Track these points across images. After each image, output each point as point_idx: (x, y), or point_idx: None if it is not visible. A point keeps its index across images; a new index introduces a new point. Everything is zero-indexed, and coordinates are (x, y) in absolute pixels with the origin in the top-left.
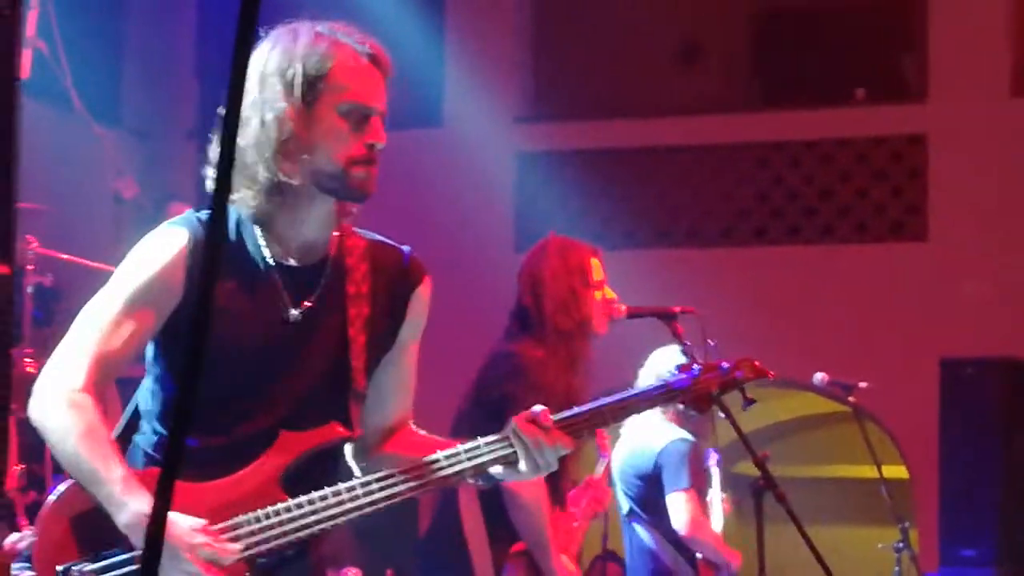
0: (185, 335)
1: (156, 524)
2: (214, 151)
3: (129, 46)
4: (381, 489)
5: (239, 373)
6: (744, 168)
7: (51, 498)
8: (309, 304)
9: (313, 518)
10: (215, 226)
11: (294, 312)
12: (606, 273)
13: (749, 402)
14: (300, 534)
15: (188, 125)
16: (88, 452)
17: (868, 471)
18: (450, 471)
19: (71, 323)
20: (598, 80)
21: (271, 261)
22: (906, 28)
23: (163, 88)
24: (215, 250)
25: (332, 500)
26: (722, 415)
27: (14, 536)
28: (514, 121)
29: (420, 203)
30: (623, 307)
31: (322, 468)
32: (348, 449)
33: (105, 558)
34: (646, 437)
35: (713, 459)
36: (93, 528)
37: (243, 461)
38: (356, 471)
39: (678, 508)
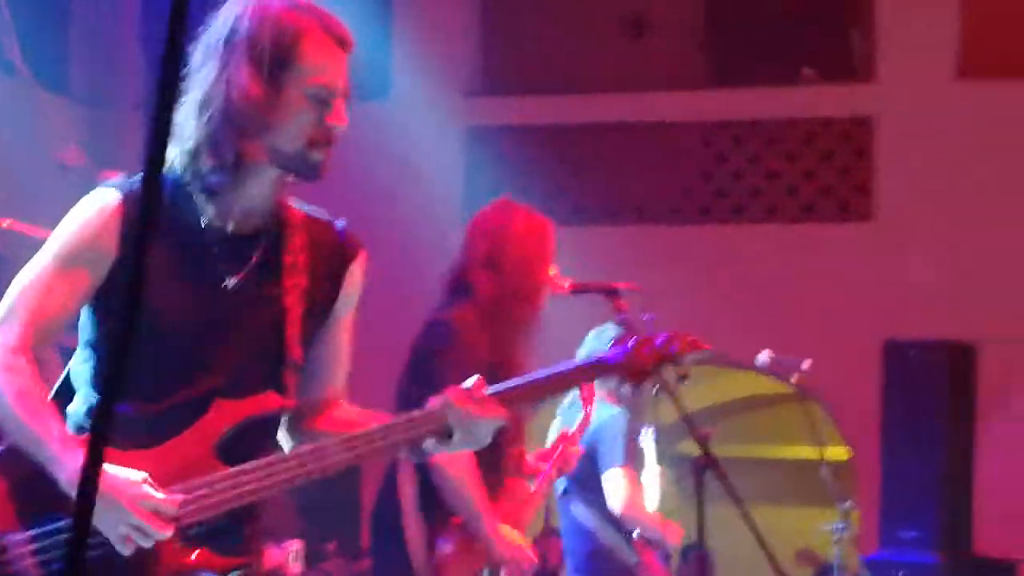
0: (118, 299)
1: (88, 484)
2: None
3: (76, 13)
4: (315, 460)
5: (173, 339)
6: (691, 145)
7: None
8: (246, 272)
9: (247, 487)
10: (149, 191)
11: (231, 280)
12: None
13: (682, 378)
14: (234, 504)
15: (135, 94)
16: (24, 413)
17: (810, 452)
18: (382, 444)
19: None
20: (547, 54)
21: (207, 227)
22: (854, 8)
23: (111, 57)
24: (150, 214)
25: (267, 470)
26: (663, 390)
27: None
28: (462, 94)
29: (367, 176)
30: (566, 283)
31: (258, 438)
32: (282, 424)
33: (41, 525)
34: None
35: (649, 434)
36: (32, 492)
37: (177, 429)
38: (287, 446)
39: (614, 485)
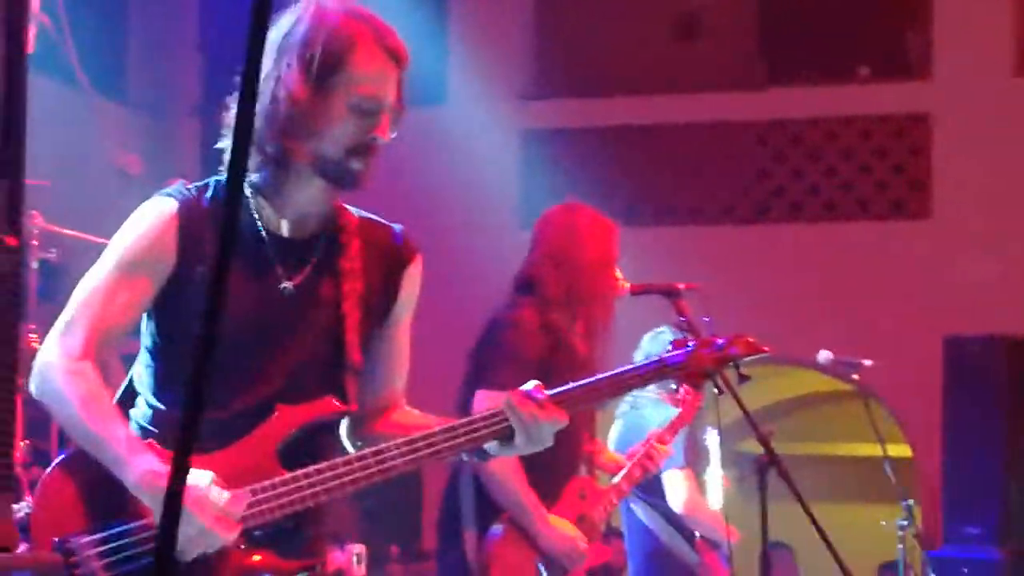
0: (176, 305)
1: (174, 491)
2: (230, 119)
3: (133, 21)
4: (376, 463)
5: (233, 344)
6: (746, 145)
7: (53, 465)
8: (304, 277)
9: (310, 491)
10: (231, 202)
11: (288, 284)
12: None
13: (743, 379)
14: (296, 507)
15: (192, 101)
16: (90, 417)
17: (872, 449)
18: (445, 446)
19: None
20: (601, 57)
21: (264, 232)
22: (910, 5)
23: (167, 64)
24: (230, 226)
25: (329, 474)
26: (722, 392)
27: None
28: (518, 99)
29: (424, 181)
30: (627, 284)
31: (318, 442)
32: (343, 428)
33: (108, 528)
34: (640, 416)
35: (713, 436)
36: (99, 494)
37: (239, 434)
38: (350, 449)
39: (674, 486)
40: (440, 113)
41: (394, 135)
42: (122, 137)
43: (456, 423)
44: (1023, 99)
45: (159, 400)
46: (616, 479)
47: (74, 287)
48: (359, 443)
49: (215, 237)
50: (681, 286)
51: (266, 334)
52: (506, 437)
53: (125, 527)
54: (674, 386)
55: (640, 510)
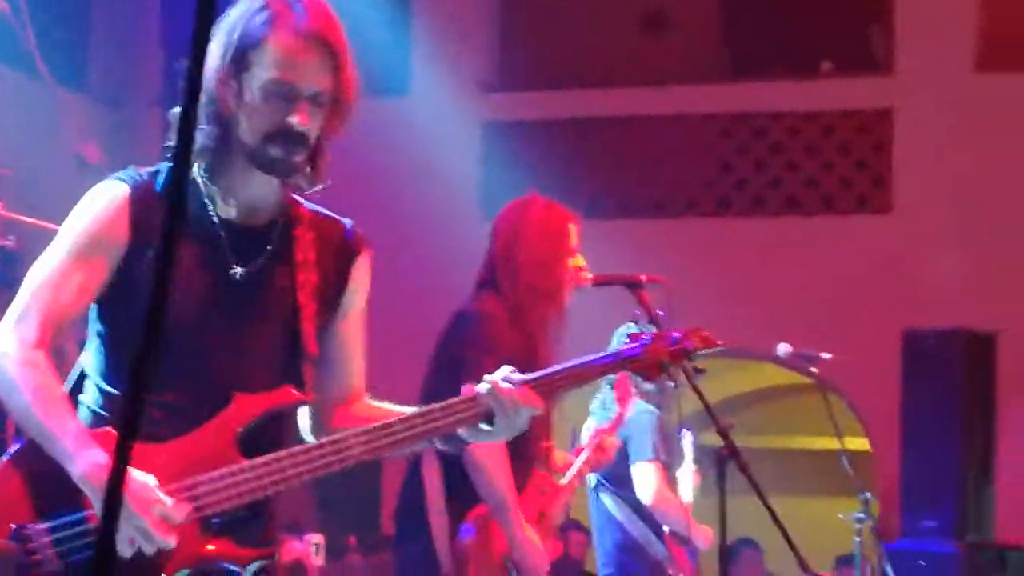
0: (126, 289)
1: (115, 481)
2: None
3: (95, 11)
4: (335, 452)
5: (184, 328)
6: (710, 139)
7: (3, 457)
8: (258, 265)
9: (268, 480)
10: (176, 183)
11: (239, 269)
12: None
13: (699, 372)
14: (256, 495)
15: (154, 92)
16: (41, 409)
17: (830, 442)
18: (405, 435)
19: None
20: (564, 49)
21: (215, 217)
22: (873, 1)
23: (129, 55)
24: (176, 207)
25: (287, 462)
26: (678, 386)
27: None
28: (480, 90)
29: (386, 172)
30: (589, 275)
31: (276, 431)
32: (303, 425)
33: (57, 517)
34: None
35: (686, 436)
36: (47, 486)
37: (195, 421)
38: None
39: (643, 478)
40: (402, 104)
41: (343, 125)
42: (83, 127)
43: (430, 408)
44: (985, 94)
45: (110, 385)
46: (568, 476)
47: (24, 273)
48: (322, 436)
49: (181, 221)
50: (643, 278)
51: (218, 319)
52: (486, 422)
53: (74, 517)
54: (608, 384)
55: (610, 502)
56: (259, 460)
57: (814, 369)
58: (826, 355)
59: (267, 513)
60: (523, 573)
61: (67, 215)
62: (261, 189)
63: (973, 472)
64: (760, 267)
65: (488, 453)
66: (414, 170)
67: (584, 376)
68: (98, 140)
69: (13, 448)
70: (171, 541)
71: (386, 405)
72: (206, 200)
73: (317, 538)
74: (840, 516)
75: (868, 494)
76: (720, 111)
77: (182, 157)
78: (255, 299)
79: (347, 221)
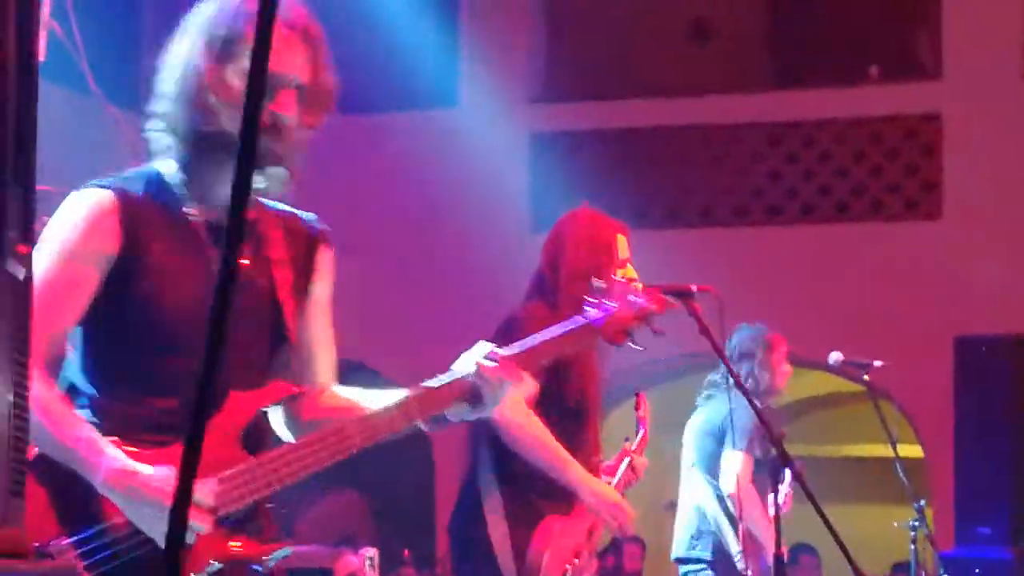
0: (126, 299)
1: (182, 500)
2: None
3: (146, 28)
4: (338, 442)
5: (179, 332)
6: (757, 147)
7: None
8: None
9: (278, 474)
10: (237, 205)
11: None
12: (630, 252)
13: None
14: (266, 491)
15: None
16: (50, 423)
17: (883, 450)
18: (401, 420)
19: None
20: (611, 60)
21: (195, 218)
22: (920, 6)
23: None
24: (237, 230)
25: (294, 455)
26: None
27: None
28: (527, 101)
29: (435, 183)
30: (640, 285)
31: (266, 426)
32: (275, 419)
33: (81, 532)
34: (721, 402)
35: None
36: (67, 500)
37: None
38: (286, 436)
39: (730, 466)
40: (451, 116)
41: (322, 120)
42: (135, 144)
43: (422, 392)
44: None
45: (99, 390)
46: None
47: None
48: (300, 427)
49: (157, 225)
50: (694, 287)
51: (201, 318)
52: (474, 400)
53: (99, 527)
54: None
55: (701, 485)
56: (265, 457)
57: (866, 377)
58: (878, 363)
59: (263, 510)
60: (605, 520)
61: None
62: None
63: None
64: (810, 275)
65: (516, 425)
66: (463, 182)
67: (559, 345)
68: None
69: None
70: (208, 524)
71: (354, 391)
72: (183, 201)
73: (372, 552)
74: (895, 524)
75: (922, 501)
76: (767, 119)
77: (245, 174)
78: (239, 299)
79: (309, 215)
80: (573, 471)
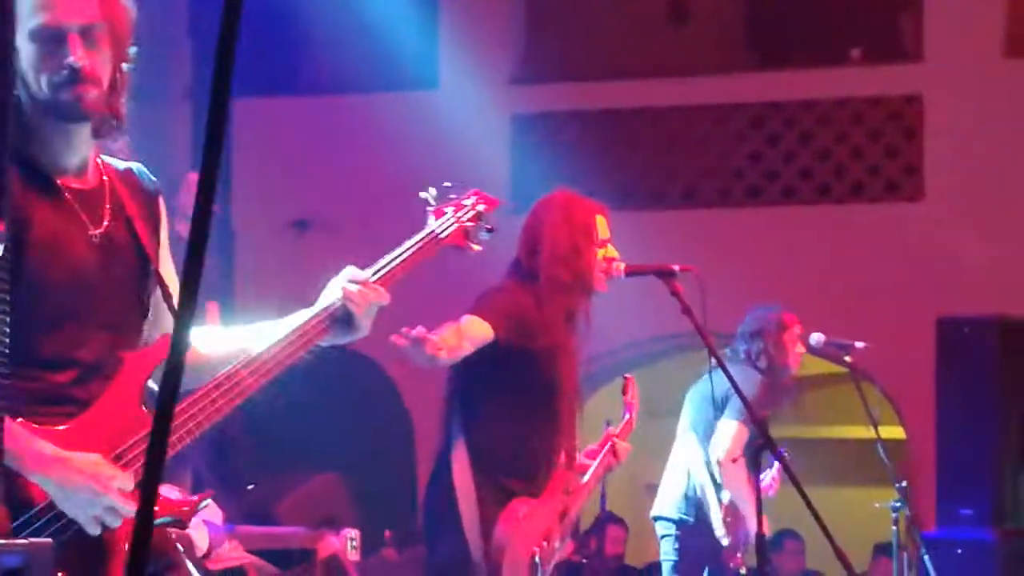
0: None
1: (155, 461)
2: None
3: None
4: (232, 388)
5: (67, 302)
6: (739, 128)
7: None
8: (105, 225)
9: (184, 429)
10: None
11: (96, 232)
12: (610, 232)
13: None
14: (178, 447)
15: (184, 85)
16: None
17: (865, 431)
18: (285, 355)
19: None
20: (592, 41)
21: (60, 183)
22: None
23: (157, 48)
24: (206, 209)
25: (196, 408)
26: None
27: None
28: (508, 83)
29: (415, 165)
30: (622, 266)
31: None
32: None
33: (15, 519)
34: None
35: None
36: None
37: (93, 391)
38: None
39: (723, 435)
40: (431, 98)
41: (125, 55)
42: None
43: (296, 327)
44: (1015, 80)
45: None
46: (586, 477)
47: None
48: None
49: (32, 197)
50: (676, 267)
51: (89, 283)
52: (345, 323)
53: (30, 512)
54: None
55: (693, 448)
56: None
57: (848, 358)
58: (860, 344)
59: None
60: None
61: None
62: (80, 145)
63: (1009, 460)
64: (792, 256)
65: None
66: (443, 163)
67: (415, 258)
68: (128, 133)
69: None
70: (133, 507)
71: (236, 329)
72: (46, 167)
73: (353, 533)
74: (876, 505)
75: (904, 482)
76: (749, 100)
77: (213, 150)
78: (111, 259)
79: (137, 166)
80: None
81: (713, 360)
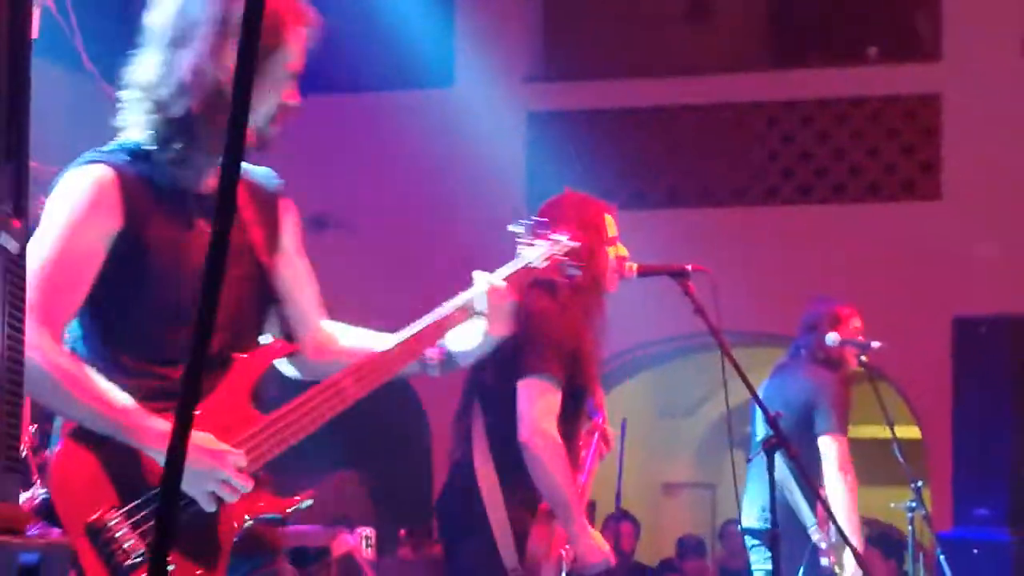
0: (131, 268)
1: (176, 449)
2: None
3: (136, 5)
4: (336, 394)
5: (182, 302)
6: (756, 127)
7: (55, 449)
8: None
9: (291, 430)
10: (229, 169)
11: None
12: (619, 231)
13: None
14: (284, 447)
15: None
16: (88, 396)
17: (881, 431)
18: (394, 362)
19: None
20: (608, 39)
21: (182, 189)
22: None
23: None
24: (227, 207)
25: (301, 411)
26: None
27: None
28: (524, 81)
29: (431, 163)
30: (634, 265)
31: (267, 384)
32: (288, 371)
33: (134, 499)
34: (793, 377)
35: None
36: (115, 468)
37: (206, 388)
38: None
39: (835, 450)
40: (447, 95)
41: None
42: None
43: (417, 330)
44: None
45: (102, 362)
46: (584, 478)
47: None
48: (308, 373)
49: (152, 199)
50: (689, 267)
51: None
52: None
53: (146, 495)
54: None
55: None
56: (276, 415)
57: (864, 358)
58: (876, 343)
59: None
60: (583, 571)
61: None
62: (217, 158)
63: None
64: (808, 255)
65: (537, 443)
66: (459, 161)
67: (530, 272)
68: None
69: (60, 439)
70: (250, 484)
71: (360, 332)
72: (169, 174)
73: (368, 531)
74: (892, 505)
75: (920, 483)
76: (766, 99)
77: (234, 156)
78: (228, 267)
79: (261, 170)
80: (573, 514)
81: (728, 364)
